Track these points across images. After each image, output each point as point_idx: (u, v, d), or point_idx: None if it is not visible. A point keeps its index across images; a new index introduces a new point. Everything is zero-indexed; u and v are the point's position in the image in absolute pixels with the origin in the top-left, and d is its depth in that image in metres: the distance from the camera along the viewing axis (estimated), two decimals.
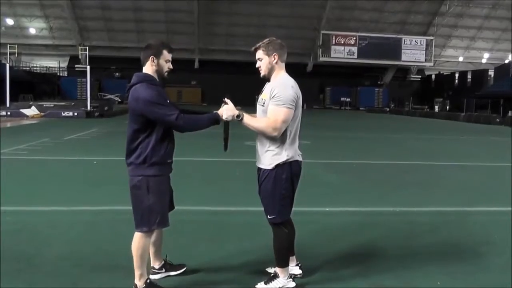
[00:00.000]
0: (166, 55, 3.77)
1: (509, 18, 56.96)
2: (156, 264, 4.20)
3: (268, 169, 3.76)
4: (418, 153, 14.65)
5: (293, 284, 3.97)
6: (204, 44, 58.32)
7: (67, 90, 54.80)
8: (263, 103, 3.76)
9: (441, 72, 62.04)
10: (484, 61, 61.92)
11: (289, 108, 3.61)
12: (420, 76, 64.70)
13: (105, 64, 57.15)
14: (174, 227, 5.72)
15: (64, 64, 60.23)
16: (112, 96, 55.69)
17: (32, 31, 56.48)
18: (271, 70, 3.81)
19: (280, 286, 3.92)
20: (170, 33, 57.43)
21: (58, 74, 59.34)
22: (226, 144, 3.81)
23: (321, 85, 63.33)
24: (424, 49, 60.46)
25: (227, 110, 3.63)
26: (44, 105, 30.56)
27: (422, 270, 4.50)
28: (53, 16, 55.23)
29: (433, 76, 62.68)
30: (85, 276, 4.14)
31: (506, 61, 55.31)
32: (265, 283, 3.95)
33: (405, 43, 60.03)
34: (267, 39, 3.88)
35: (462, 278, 4.34)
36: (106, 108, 32.78)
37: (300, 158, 3.86)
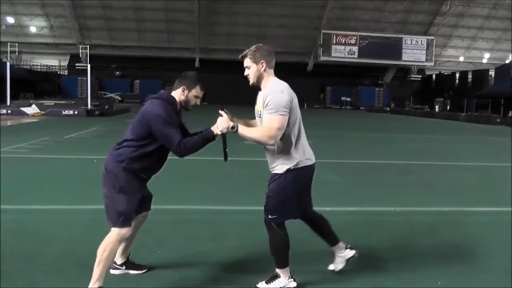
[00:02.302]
0: (198, 91, 3.84)
1: (510, 18, 56.93)
2: (118, 260, 4.19)
3: (279, 173, 3.76)
4: (419, 153, 14.64)
5: (294, 284, 3.96)
6: (204, 43, 58.32)
7: (68, 88, 54.88)
8: (260, 115, 3.73)
9: (442, 72, 62.04)
10: (484, 61, 61.92)
11: (282, 115, 3.57)
12: (420, 76, 64.71)
13: (106, 63, 57.18)
14: (175, 226, 5.76)
15: (65, 63, 60.29)
16: (112, 95, 55.76)
17: (33, 29, 56.53)
18: (259, 78, 3.77)
19: (282, 286, 3.91)
20: (170, 32, 57.56)
21: (59, 72, 59.40)
22: (226, 155, 3.79)
23: (321, 84, 63.32)
24: (425, 48, 60.47)
25: (222, 123, 3.60)
26: (45, 104, 30.58)
27: (422, 270, 4.49)
28: (54, 15, 55.28)
29: (434, 76, 62.66)
30: (85, 275, 4.13)
31: (507, 61, 55.35)
32: (266, 283, 3.95)
33: (406, 42, 60.03)
34: (254, 46, 3.83)
35: (462, 279, 4.34)
36: (106, 106, 32.79)
37: (311, 161, 3.84)
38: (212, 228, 5.80)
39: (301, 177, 3.77)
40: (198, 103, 3.88)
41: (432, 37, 60.29)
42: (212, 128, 3.67)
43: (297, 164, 3.72)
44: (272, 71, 3.81)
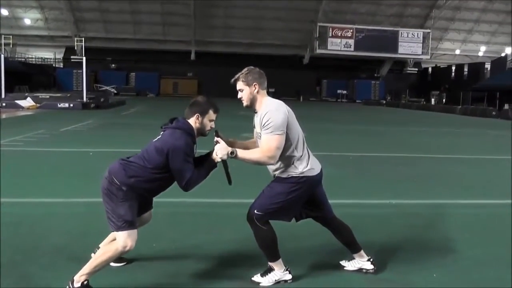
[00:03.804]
0: (212, 115, 3.85)
1: (506, 11, 57.00)
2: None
3: (282, 177, 3.82)
4: (414, 146, 14.66)
5: (290, 276, 3.98)
6: (200, 36, 58.14)
7: (63, 81, 54.74)
8: (260, 136, 3.78)
9: (438, 65, 62.07)
10: (480, 54, 62.00)
11: (279, 134, 3.63)
12: (416, 69, 64.76)
13: (101, 56, 56.99)
14: (171, 219, 5.75)
15: (60, 55, 60.07)
16: (108, 88, 55.60)
17: (27, 21, 56.24)
18: (253, 100, 3.82)
19: (277, 278, 3.94)
20: (166, 24, 57.38)
21: (54, 65, 59.20)
22: (230, 179, 3.85)
23: (317, 77, 63.34)
24: (421, 42, 60.49)
25: (221, 150, 3.64)
26: (40, 97, 30.45)
27: (417, 262, 4.51)
28: (49, 7, 55.01)
29: (430, 69, 62.71)
30: (80, 268, 4.13)
31: (503, 54, 55.33)
32: (262, 276, 3.97)
33: (402, 35, 60.01)
34: (246, 69, 3.88)
35: (458, 271, 4.36)
36: (102, 99, 32.69)
37: (315, 171, 3.89)
38: (208, 221, 5.80)
39: (302, 186, 3.81)
40: (213, 125, 3.89)
41: (428, 30, 60.28)
42: (213, 156, 3.71)
43: (301, 173, 3.79)
44: (265, 92, 3.86)
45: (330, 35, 58.63)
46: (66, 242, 4.81)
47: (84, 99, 30.15)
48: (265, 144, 3.66)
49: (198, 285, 3.96)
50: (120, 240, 3.66)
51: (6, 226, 5.20)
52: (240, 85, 3.83)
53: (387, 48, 59.72)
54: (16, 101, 27.91)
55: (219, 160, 3.68)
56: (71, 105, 28.23)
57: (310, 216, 4.11)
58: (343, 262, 4.32)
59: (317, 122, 22.76)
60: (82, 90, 31.87)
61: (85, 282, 3.58)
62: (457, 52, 63.85)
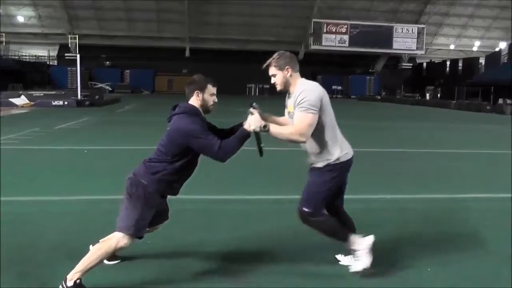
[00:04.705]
0: (211, 89, 3.84)
1: (500, 6, 57.15)
2: None
3: (319, 167, 3.88)
4: (410, 141, 14.68)
5: (372, 238, 4.02)
6: (195, 33, 57.97)
7: (57, 79, 54.50)
8: (292, 116, 3.82)
9: (433, 60, 62.12)
10: (475, 49, 62.11)
11: (312, 113, 3.66)
12: (411, 64, 64.80)
13: (96, 53, 56.66)
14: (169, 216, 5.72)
15: (54, 53, 59.81)
16: (103, 85, 55.46)
17: (21, 19, 55.90)
18: (287, 84, 3.86)
19: (367, 249, 3.98)
20: (160, 21, 57.19)
21: (48, 63, 58.93)
22: (261, 151, 3.83)
23: (312, 73, 63.25)
24: (416, 37, 60.54)
25: (255, 121, 3.65)
26: (34, 94, 30.28)
27: (413, 257, 4.52)
28: (42, 4, 54.68)
29: (425, 64, 62.73)
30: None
31: (497, 49, 55.45)
32: (352, 260, 4.06)
33: (397, 31, 60.05)
34: (276, 54, 3.90)
35: (455, 266, 4.36)
36: (97, 97, 32.61)
37: (349, 155, 3.94)
38: (206, 217, 5.79)
39: (339, 171, 3.90)
40: (216, 100, 3.88)
41: (423, 26, 60.33)
42: (245, 126, 3.71)
43: (337, 159, 3.85)
44: (298, 74, 3.89)
45: (325, 31, 58.61)
46: (61, 240, 4.79)
47: (79, 96, 30.02)
48: (297, 121, 3.68)
49: (197, 284, 3.95)
50: (115, 238, 3.65)
51: (2, 224, 5.17)
52: (272, 70, 3.86)
53: (381, 43, 59.75)
54: (10, 99, 27.75)
55: (252, 130, 3.68)
56: (66, 102, 28.12)
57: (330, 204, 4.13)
58: (339, 256, 4.34)
59: None
60: (77, 88, 31.73)
61: (78, 281, 3.56)
62: (452, 47, 63.95)
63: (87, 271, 3.61)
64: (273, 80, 3.87)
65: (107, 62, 60.94)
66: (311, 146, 3.84)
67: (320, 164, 3.86)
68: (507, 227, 5.47)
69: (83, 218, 5.62)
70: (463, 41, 63.57)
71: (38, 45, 59.30)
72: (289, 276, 4.08)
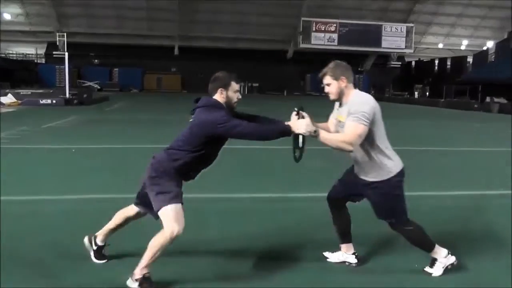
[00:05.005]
0: (235, 86, 3.85)
1: (488, 6, 57.57)
2: (98, 238, 4.21)
3: (384, 179, 3.88)
4: (401, 139, 14.71)
5: (453, 258, 4.10)
6: (184, 31, 57.81)
7: (45, 77, 54.05)
8: (343, 125, 3.82)
9: (421, 59, 62.38)
10: (463, 48, 62.45)
11: (364, 124, 3.67)
12: (400, 63, 65.07)
13: (84, 51, 56.37)
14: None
15: (42, 51, 59.37)
16: (91, 84, 55.12)
17: (7, 16, 55.29)
18: (341, 94, 3.86)
19: (444, 265, 4.08)
20: (150, 20, 56.91)
21: (36, 61, 58.48)
22: (301, 156, 3.82)
23: (301, 71, 63.42)
24: (405, 36, 60.89)
25: (306, 125, 3.65)
26: (21, 93, 29.97)
27: (402, 253, 4.55)
28: (30, 2, 54.10)
29: (413, 63, 62.97)
30: (67, 266, 4.10)
31: (484, 48, 55.87)
32: (430, 267, 4.12)
33: (386, 30, 60.34)
34: (332, 63, 3.92)
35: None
36: (85, 95, 32.36)
37: (401, 165, 4.00)
38: (192, 216, 5.76)
39: (403, 178, 3.96)
40: (240, 96, 3.90)
41: (411, 25, 60.63)
42: (293, 128, 3.69)
43: (394, 168, 3.91)
44: (352, 85, 3.88)
45: (314, 29, 58.77)
46: (52, 239, 4.76)
47: (67, 95, 29.79)
48: (348, 130, 3.69)
49: (199, 283, 3.95)
50: (167, 228, 3.66)
51: None
52: (327, 79, 3.87)
53: (370, 42, 60.00)
54: None
55: (301, 133, 3.67)
56: (54, 101, 27.91)
57: (342, 195, 4.24)
58: (326, 254, 4.37)
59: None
60: (65, 86, 31.50)
61: (147, 275, 3.68)
62: (440, 46, 64.26)
63: (153, 261, 3.68)
64: (327, 89, 3.90)
65: (96, 60, 60.65)
66: (362, 158, 3.88)
67: (377, 178, 3.89)
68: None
69: (74, 217, 5.59)
70: (451, 40, 63.90)
71: (26, 43, 58.81)
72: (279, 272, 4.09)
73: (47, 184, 7.38)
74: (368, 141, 3.76)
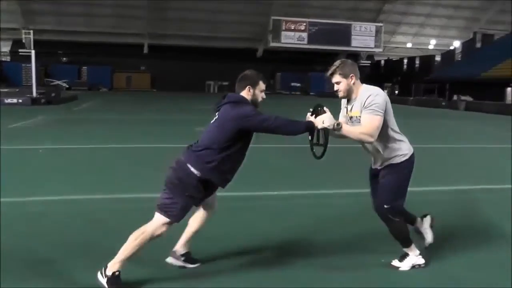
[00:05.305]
0: (262, 85, 3.94)
1: (455, 6, 58.82)
2: (181, 249, 4.16)
3: (395, 163, 4.06)
4: None
5: (423, 260, 4.24)
6: (154, 29, 57.36)
7: (11, 76, 52.78)
8: (355, 120, 4.01)
9: (390, 58, 63.25)
10: (431, 47, 63.54)
11: (379, 115, 3.87)
12: (370, 62, 65.82)
13: (52, 49, 55.32)
14: (124, 215, 5.62)
15: (7, 49, 58.09)
16: (59, 82, 54.16)
17: None
18: (350, 91, 4.03)
19: (413, 262, 4.21)
20: (119, 17, 56.17)
21: (0, 59, 57.15)
22: (325, 150, 3.88)
23: (271, 70, 63.55)
24: (374, 35, 61.65)
25: (329, 119, 3.74)
26: None
27: (370, 249, 4.61)
28: None
29: (383, 62, 63.83)
30: (33, 269, 3.99)
31: (452, 47, 56.98)
32: (400, 261, 4.23)
33: (355, 29, 61.04)
34: (339, 61, 4.09)
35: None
36: (53, 94, 31.74)
37: (412, 149, 4.16)
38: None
39: (412, 164, 4.12)
40: (264, 96, 3.98)
41: (381, 24, 61.40)
42: (316, 123, 3.79)
43: (407, 154, 4.08)
44: (359, 81, 4.07)
45: (284, 28, 59.04)
46: (17, 242, 4.62)
47: (34, 94, 29.19)
48: (367, 122, 3.87)
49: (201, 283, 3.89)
50: (153, 225, 3.67)
51: None
52: (337, 78, 4.02)
53: (340, 41, 60.58)
54: None
55: (325, 127, 3.74)
56: (20, 100, 27.28)
57: None
58: (426, 243, 4.46)
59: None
60: (32, 85, 30.84)
61: (117, 273, 3.60)
62: (409, 45, 65.23)
63: (123, 262, 3.62)
64: (336, 87, 4.04)
65: (64, 59, 59.71)
66: (381, 145, 4.03)
67: (397, 160, 4.05)
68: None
69: (39, 220, 5.45)
70: (420, 39, 64.91)
71: None
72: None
73: (11, 186, 7.16)
74: (383, 129, 3.93)
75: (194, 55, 58.24)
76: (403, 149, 4.07)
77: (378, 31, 61.54)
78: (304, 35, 59.57)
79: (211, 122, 3.86)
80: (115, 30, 57.07)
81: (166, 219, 3.68)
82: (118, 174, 8.22)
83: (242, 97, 3.86)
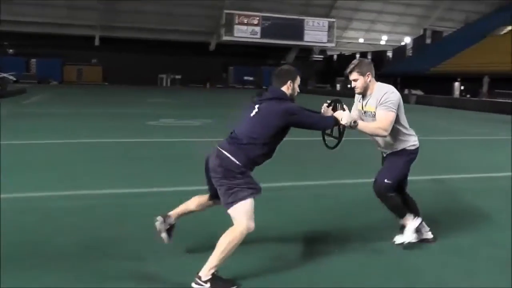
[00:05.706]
0: (298, 79, 4.13)
1: (405, 4, 60.27)
2: (172, 220, 4.19)
3: (399, 149, 4.47)
4: None
5: (419, 220, 4.59)
6: (106, 20, 56.12)
7: None
8: (370, 115, 4.41)
9: (343, 53, 64.12)
10: (383, 43, 64.77)
11: (393, 111, 4.29)
12: (322, 56, 66.60)
13: None
14: (75, 211, 5.52)
15: None
16: (6, 75, 52.30)
17: None
18: (366, 88, 4.42)
19: (413, 227, 4.53)
20: (70, 7, 54.57)
21: None
22: (339, 143, 4.15)
23: (224, 64, 63.42)
24: (327, 30, 62.27)
25: (348, 116, 4.02)
26: None
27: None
28: None
29: (335, 56, 64.66)
30: (8, 268, 3.86)
31: (403, 43, 58.34)
32: (402, 234, 4.56)
33: (308, 24, 61.53)
34: (356, 60, 4.51)
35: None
36: None
37: (418, 144, 4.56)
38: (118, 212, 5.63)
39: (415, 155, 4.53)
40: (298, 90, 4.13)
41: (333, 20, 62.10)
42: (337, 115, 4.05)
43: (414, 144, 4.51)
44: (374, 78, 4.47)
45: (237, 22, 58.97)
46: None
47: None
48: (382, 118, 4.26)
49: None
50: (238, 224, 3.67)
51: None
52: (354, 75, 4.40)
53: (293, 35, 60.97)
54: None
55: (344, 123, 4.00)
56: None
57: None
58: (429, 235, 4.74)
59: (224, 108, 22.76)
60: None
61: (216, 272, 3.61)
62: (361, 40, 66.25)
63: (222, 263, 3.62)
64: (353, 84, 4.43)
65: (11, 50, 57.69)
66: (391, 137, 4.39)
67: (403, 146, 4.45)
68: None
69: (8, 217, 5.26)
70: (372, 35, 66.00)
71: None
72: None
73: None
74: (394, 124, 4.31)
75: (147, 48, 57.42)
76: (410, 141, 4.47)
77: (330, 26, 62.25)
78: (257, 29, 59.66)
79: (250, 114, 3.90)
80: (66, 21, 55.44)
81: (249, 204, 3.68)
82: (68, 170, 8.00)
83: (283, 92, 3.98)
